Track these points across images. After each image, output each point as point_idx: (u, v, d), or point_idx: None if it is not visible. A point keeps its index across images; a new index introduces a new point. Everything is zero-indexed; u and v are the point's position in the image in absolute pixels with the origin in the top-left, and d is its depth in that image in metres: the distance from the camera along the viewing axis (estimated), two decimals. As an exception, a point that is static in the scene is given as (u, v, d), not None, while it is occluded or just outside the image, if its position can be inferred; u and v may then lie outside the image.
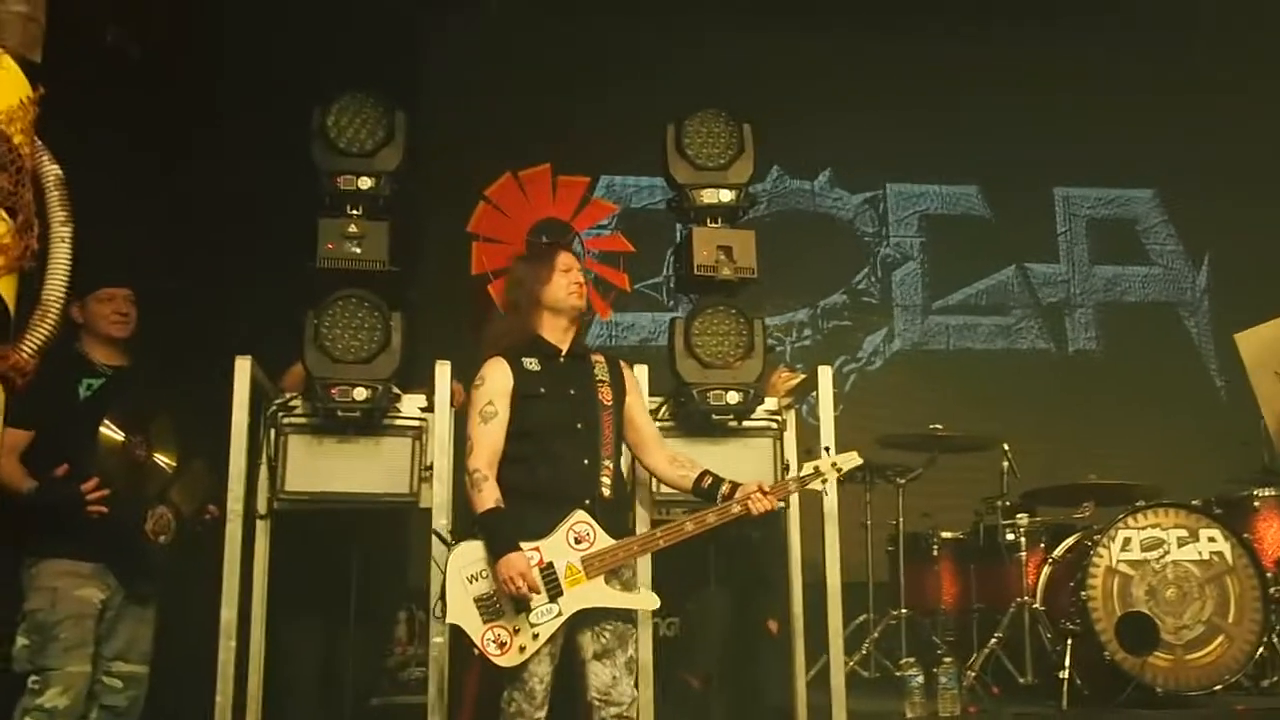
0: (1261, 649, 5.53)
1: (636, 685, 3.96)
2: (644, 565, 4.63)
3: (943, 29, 8.45)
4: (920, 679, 5.23)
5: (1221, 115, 8.56)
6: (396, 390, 4.58)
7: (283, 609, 4.67)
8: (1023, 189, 9.01)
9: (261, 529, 4.57)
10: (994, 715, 5.41)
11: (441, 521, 4.49)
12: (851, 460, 4.19)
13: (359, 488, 4.55)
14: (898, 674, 5.53)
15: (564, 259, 4.15)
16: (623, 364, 4.25)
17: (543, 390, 3.97)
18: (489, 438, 3.89)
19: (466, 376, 4.85)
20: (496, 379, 3.97)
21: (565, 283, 4.07)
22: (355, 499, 4.57)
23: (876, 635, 6.41)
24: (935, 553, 6.59)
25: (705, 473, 4.08)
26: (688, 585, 5.05)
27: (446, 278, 5.88)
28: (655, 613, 4.73)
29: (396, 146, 4.70)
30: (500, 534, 3.78)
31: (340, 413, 4.46)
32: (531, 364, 4.01)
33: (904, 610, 6.35)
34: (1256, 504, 6.16)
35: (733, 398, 4.79)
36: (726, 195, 4.99)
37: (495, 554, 3.74)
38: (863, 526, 6.63)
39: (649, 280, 7.85)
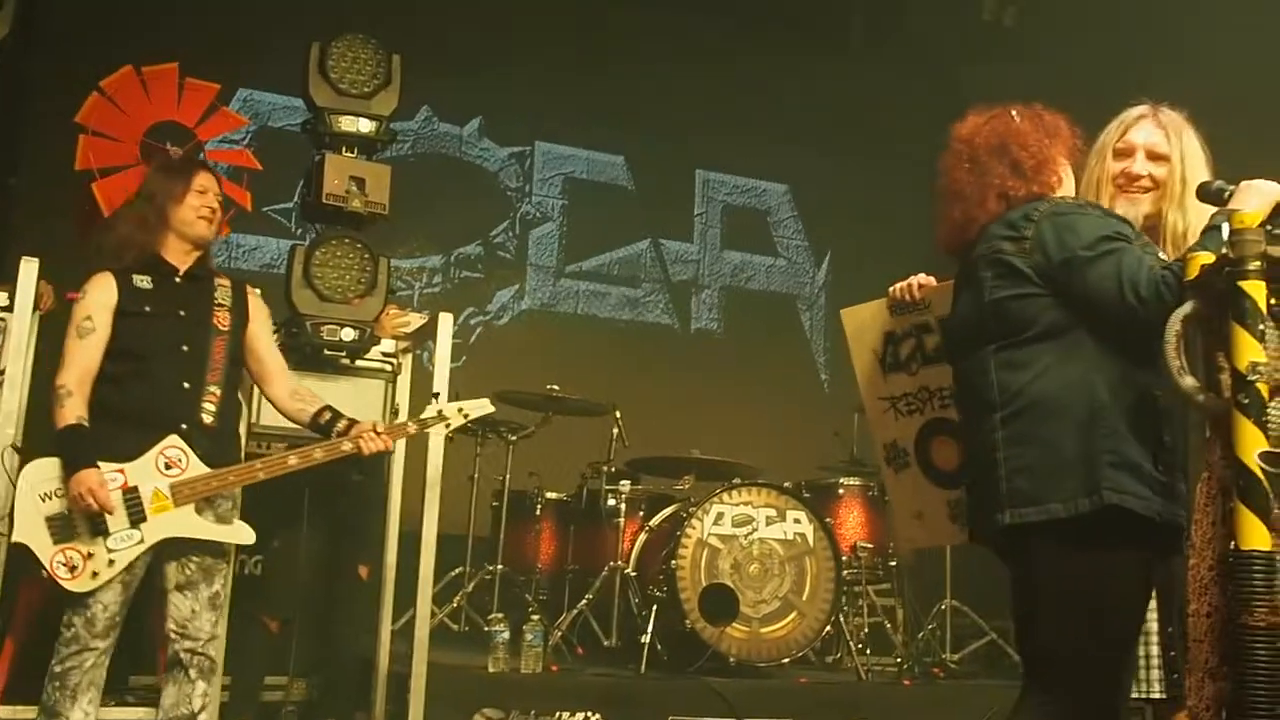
0: (829, 627, 5.85)
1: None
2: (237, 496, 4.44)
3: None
4: (506, 635, 5.24)
5: (857, 127, 8.98)
6: (-31, 284, 4.18)
7: None
8: (667, 167, 9.20)
9: None
10: (574, 674, 5.48)
11: (9, 431, 4.16)
12: (481, 407, 4.16)
13: (-86, 385, 4.12)
14: (486, 629, 5.52)
15: (202, 179, 3.97)
16: (250, 290, 4.10)
17: (148, 309, 3.80)
18: (82, 354, 3.72)
19: (60, 277, 4.49)
20: (98, 294, 3.79)
21: (197, 204, 3.91)
22: (-92, 397, 4.12)
23: (470, 589, 6.39)
24: (538, 512, 6.64)
25: (326, 408, 3.99)
26: (277, 523, 4.85)
27: (50, 171, 5.41)
28: (240, 549, 4.55)
29: (5, 16, 4.30)
30: (76, 451, 3.61)
31: (-100, 301, 4.03)
32: (143, 281, 3.84)
33: (500, 566, 6.36)
34: (841, 491, 6.53)
35: (348, 334, 4.66)
36: (366, 125, 4.84)
37: (69, 471, 3.57)
38: (470, 480, 6.60)
39: (279, 204, 7.53)
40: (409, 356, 4.99)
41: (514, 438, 6.59)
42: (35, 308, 4.30)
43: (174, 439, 3.70)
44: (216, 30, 7.14)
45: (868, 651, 6.16)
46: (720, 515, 5.71)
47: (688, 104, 8.77)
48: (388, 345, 4.91)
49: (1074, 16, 7.68)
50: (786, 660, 5.65)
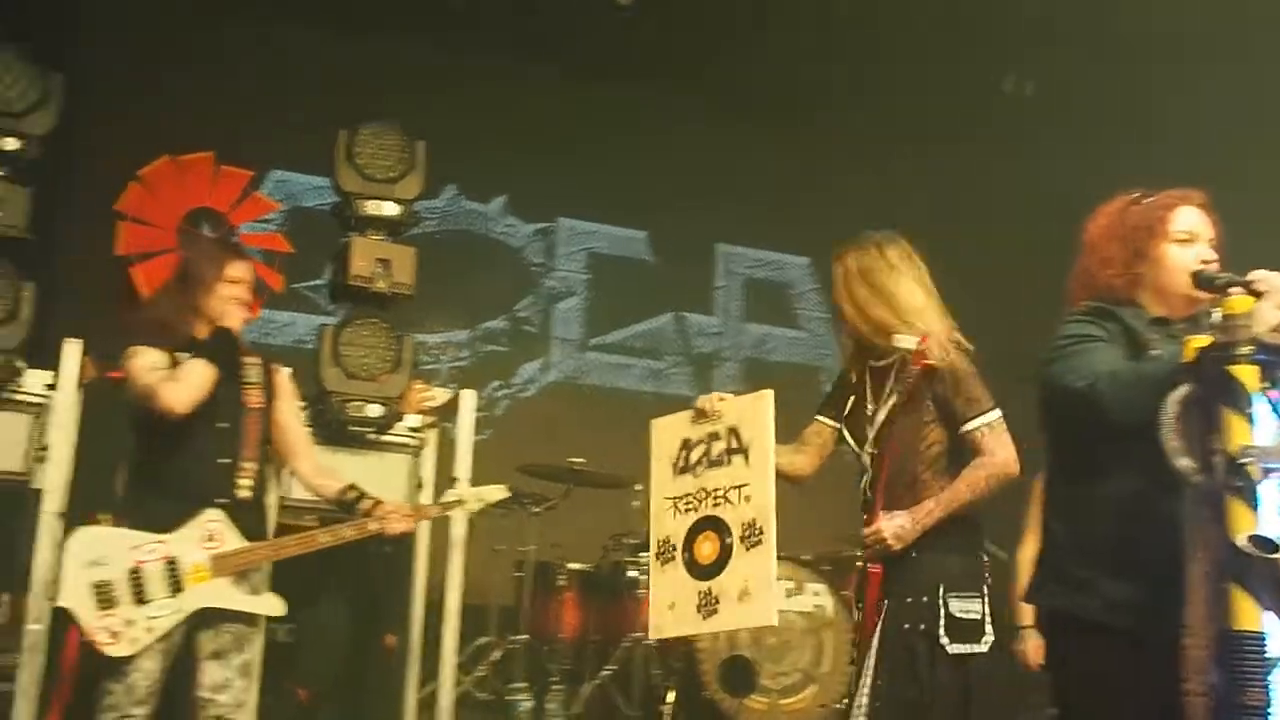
0: (848, 699, 5.87)
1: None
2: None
3: (626, 76, 8.66)
4: (528, 704, 5.33)
5: (875, 197, 9.08)
6: (21, 364, 4.34)
7: None
8: (688, 241, 9.30)
9: None
10: (595, 744, 5.55)
11: (55, 501, 4.32)
12: (496, 493, 4.28)
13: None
14: (509, 698, 5.59)
15: (235, 269, 4.03)
16: (276, 368, 4.21)
17: None
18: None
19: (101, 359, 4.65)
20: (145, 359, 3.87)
21: (227, 294, 3.98)
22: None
23: (495, 658, 6.45)
24: (561, 582, 6.65)
25: (351, 486, 4.08)
26: (309, 593, 4.97)
27: (90, 255, 5.58)
28: (272, 618, 4.65)
29: (50, 110, 4.47)
30: None
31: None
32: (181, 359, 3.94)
33: (524, 636, 6.42)
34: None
35: (373, 410, 4.80)
36: (392, 209, 5.01)
37: None
38: (495, 551, 6.67)
39: (311, 281, 7.68)
40: (434, 431, 5.11)
41: (537, 509, 6.67)
42: (79, 383, 4.45)
43: (214, 513, 3.82)
44: (251, 114, 7.31)
45: (887, 723, 6.17)
46: (740, 588, 5.76)
47: (708, 180, 8.91)
48: (413, 420, 5.03)
49: (1092, 91, 7.79)
50: (804, 732, 5.69)
